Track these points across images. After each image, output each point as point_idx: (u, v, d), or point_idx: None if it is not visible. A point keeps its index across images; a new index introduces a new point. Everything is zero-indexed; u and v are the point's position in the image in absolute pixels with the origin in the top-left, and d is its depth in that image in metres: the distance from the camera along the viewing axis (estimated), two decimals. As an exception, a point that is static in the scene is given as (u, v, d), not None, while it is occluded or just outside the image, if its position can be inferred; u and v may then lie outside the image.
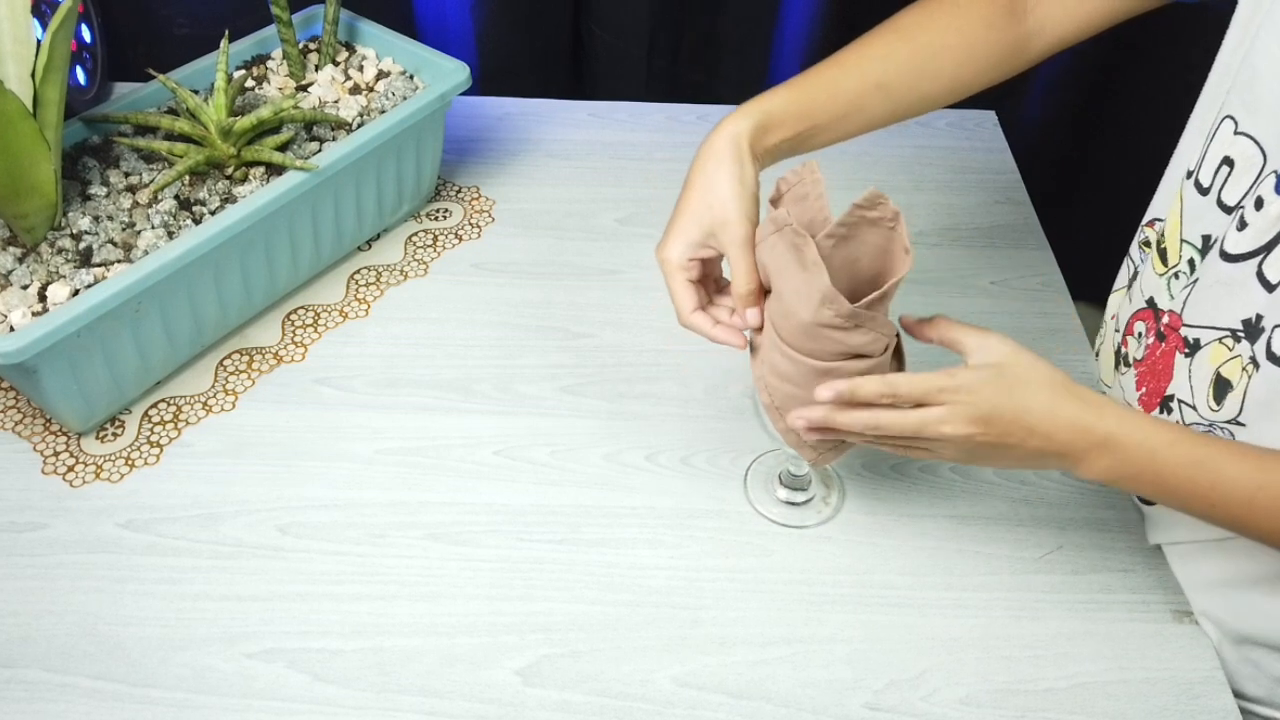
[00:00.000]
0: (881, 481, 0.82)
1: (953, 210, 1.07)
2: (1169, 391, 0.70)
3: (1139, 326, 0.76)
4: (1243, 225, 0.63)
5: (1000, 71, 0.75)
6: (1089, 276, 1.09)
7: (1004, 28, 0.73)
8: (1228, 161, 0.65)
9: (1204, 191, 0.67)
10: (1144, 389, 0.73)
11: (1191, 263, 0.69)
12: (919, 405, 0.59)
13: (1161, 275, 0.73)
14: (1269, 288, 0.61)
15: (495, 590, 0.74)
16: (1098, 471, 0.60)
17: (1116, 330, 0.80)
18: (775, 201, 0.65)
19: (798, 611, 0.74)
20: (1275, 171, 0.61)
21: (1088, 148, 1.37)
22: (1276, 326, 0.60)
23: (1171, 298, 0.71)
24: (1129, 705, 0.70)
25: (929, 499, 0.81)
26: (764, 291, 0.66)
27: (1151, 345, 0.73)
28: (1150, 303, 0.74)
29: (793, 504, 0.80)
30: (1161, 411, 0.71)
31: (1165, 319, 0.71)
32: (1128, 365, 0.77)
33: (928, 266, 1.00)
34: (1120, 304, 0.81)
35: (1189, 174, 0.69)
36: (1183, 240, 0.70)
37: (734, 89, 1.25)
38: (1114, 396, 0.78)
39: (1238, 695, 0.72)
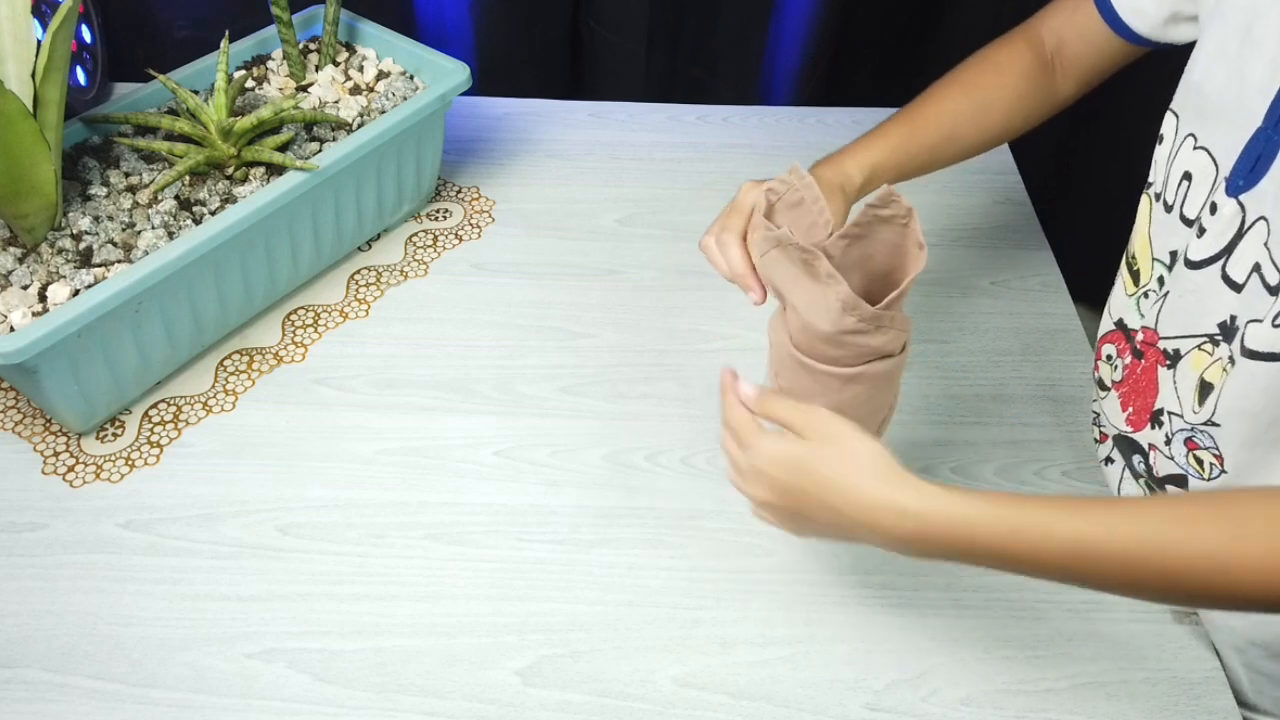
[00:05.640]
0: (882, 482, 0.82)
1: (953, 210, 1.07)
2: (1157, 406, 0.71)
3: (1107, 349, 0.77)
4: (1201, 232, 0.65)
5: (1041, 114, 0.82)
6: (1089, 277, 1.09)
7: (1038, 79, 0.81)
8: (1187, 176, 0.67)
9: (1169, 209, 0.69)
10: (1130, 408, 0.74)
11: (1160, 279, 0.71)
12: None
13: (1131, 295, 0.75)
14: (1236, 288, 0.62)
15: (495, 590, 0.74)
16: (906, 548, 0.57)
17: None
18: (768, 214, 0.64)
19: (798, 612, 0.74)
20: (1225, 177, 0.63)
21: (1088, 147, 1.37)
22: (1250, 322, 0.61)
23: (1142, 315, 0.73)
24: (1129, 705, 0.70)
25: (929, 499, 0.81)
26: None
27: (1130, 365, 0.74)
28: (1120, 324, 0.76)
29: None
30: (1152, 426, 0.72)
31: (1140, 336, 0.73)
32: (1106, 389, 0.77)
33: (928, 266, 1.00)
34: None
35: (1157, 196, 0.71)
36: (1154, 259, 0.72)
37: (732, 86, 1.25)
38: (1105, 420, 0.78)
39: (1242, 705, 0.72)
